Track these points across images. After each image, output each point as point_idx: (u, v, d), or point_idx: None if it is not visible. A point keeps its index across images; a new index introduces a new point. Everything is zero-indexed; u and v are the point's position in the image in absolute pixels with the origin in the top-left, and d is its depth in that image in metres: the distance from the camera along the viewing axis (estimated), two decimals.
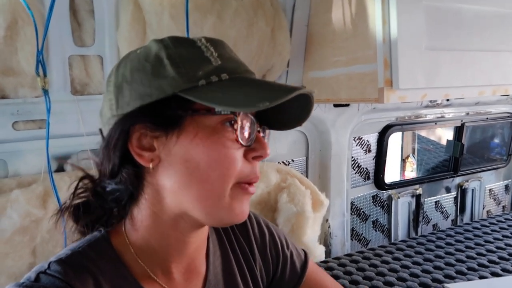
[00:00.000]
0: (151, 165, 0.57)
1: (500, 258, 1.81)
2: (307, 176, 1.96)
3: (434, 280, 1.60)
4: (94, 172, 0.65)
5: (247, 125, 0.58)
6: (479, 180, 2.70)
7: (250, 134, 0.59)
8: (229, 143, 0.56)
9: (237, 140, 0.56)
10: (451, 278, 1.62)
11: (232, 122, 0.56)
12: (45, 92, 1.14)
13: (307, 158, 1.96)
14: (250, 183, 0.60)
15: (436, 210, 2.57)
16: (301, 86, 0.53)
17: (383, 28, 1.25)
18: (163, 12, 1.28)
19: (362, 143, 2.14)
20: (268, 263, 0.79)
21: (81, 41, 1.28)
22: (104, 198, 0.62)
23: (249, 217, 0.81)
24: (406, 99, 1.31)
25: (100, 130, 0.64)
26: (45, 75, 1.13)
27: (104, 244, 0.62)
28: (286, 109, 0.60)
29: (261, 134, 0.63)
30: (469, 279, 1.61)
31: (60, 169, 1.37)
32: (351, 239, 2.19)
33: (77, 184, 0.65)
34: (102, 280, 0.58)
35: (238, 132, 0.56)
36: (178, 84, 0.54)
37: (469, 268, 1.71)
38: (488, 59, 1.42)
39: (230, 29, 1.40)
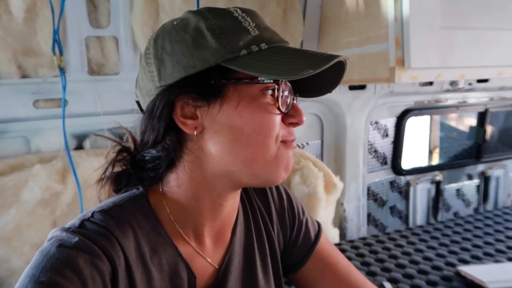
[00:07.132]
0: (195, 132, 0.60)
1: None
2: (322, 159, 1.96)
3: (448, 264, 1.58)
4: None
5: (286, 93, 0.62)
6: (504, 168, 2.62)
7: (288, 102, 0.62)
8: (270, 108, 0.60)
9: (278, 107, 0.60)
10: (465, 262, 1.60)
11: (274, 90, 0.60)
12: (61, 70, 1.20)
13: (322, 141, 1.96)
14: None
15: (458, 198, 2.52)
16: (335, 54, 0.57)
17: (395, 6, 1.23)
18: None
19: (380, 127, 2.11)
20: (286, 227, 0.82)
21: (97, 22, 1.33)
22: (142, 167, 0.66)
23: None
24: (418, 78, 1.29)
25: (137, 102, 0.68)
26: (61, 53, 1.19)
27: (143, 201, 0.65)
28: (319, 76, 0.61)
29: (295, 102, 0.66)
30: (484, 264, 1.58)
31: (79, 146, 1.43)
32: (368, 224, 2.18)
33: (116, 156, 0.68)
34: (140, 233, 0.62)
35: (280, 100, 0.59)
36: (221, 54, 0.56)
37: (485, 254, 1.67)
38: (507, 38, 1.38)
39: None
